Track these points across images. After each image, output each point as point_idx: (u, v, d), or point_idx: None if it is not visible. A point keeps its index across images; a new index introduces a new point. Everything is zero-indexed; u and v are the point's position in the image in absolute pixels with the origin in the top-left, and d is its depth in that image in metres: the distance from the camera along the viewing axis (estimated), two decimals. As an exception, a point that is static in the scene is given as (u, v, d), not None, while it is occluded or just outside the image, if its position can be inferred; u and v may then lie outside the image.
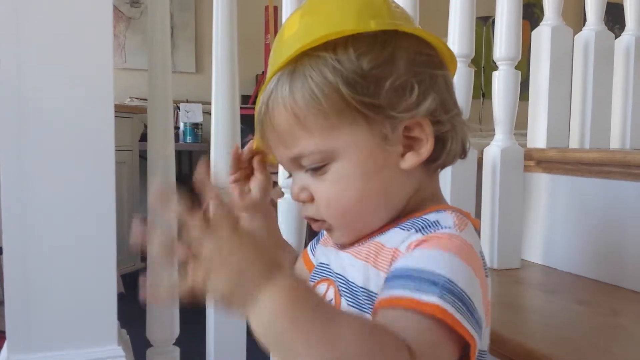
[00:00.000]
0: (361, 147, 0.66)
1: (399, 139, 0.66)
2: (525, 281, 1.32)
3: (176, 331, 1.13)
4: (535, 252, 1.47)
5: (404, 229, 0.66)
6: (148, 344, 1.15)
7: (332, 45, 0.64)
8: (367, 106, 0.64)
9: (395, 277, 0.60)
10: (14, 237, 0.91)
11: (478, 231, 0.70)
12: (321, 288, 0.73)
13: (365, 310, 0.65)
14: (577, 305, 1.12)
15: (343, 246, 0.72)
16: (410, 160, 0.67)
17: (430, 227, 0.65)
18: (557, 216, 1.42)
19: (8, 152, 0.91)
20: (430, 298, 0.57)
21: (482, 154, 1.41)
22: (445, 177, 1.33)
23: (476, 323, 0.59)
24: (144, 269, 1.08)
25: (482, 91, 4.22)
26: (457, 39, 1.34)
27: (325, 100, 0.64)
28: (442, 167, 0.72)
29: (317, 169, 0.67)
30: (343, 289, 0.69)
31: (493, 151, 1.39)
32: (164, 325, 1.13)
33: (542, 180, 1.46)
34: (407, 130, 0.66)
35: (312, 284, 0.76)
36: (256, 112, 0.70)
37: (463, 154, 0.71)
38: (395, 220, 0.69)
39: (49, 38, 0.94)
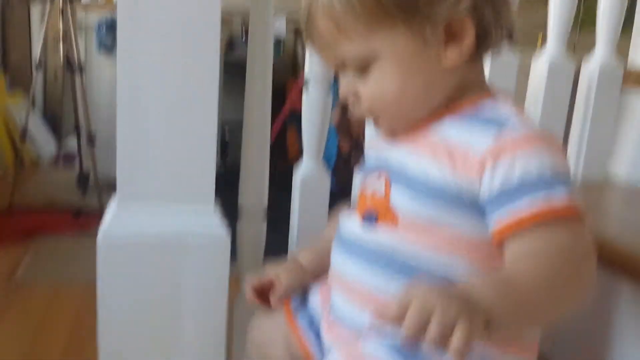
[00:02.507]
0: (401, 50, 0.68)
1: (439, 39, 0.67)
2: (607, 196, 1.33)
3: (265, 199, 1.21)
4: (621, 170, 1.46)
5: (470, 125, 0.69)
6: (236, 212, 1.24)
7: None
8: (403, 8, 0.65)
9: (516, 191, 0.63)
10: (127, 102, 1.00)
11: None
12: (370, 181, 0.76)
13: (419, 200, 0.68)
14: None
15: (398, 140, 0.75)
16: (452, 58, 0.68)
17: (503, 124, 0.66)
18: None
19: (123, 45, 0.97)
20: (562, 199, 0.62)
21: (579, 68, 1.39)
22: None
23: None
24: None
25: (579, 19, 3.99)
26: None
27: (360, 4, 0.66)
28: (486, 55, 0.73)
29: (361, 71, 0.70)
30: (397, 180, 0.72)
31: (591, 67, 1.37)
32: (254, 191, 1.20)
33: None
34: (447, 28, 0.67)
35: (365, 175, 0.80)
36: (301, 19, 0.72)
37: (509, 38, 0.73)
38: (443, 108, 0.71)
39: None
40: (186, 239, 1.00)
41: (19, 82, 4.14)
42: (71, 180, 3.34)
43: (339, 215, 0.84)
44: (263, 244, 1.24)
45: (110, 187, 3.09)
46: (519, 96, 1.34)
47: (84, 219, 2.58)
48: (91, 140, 2.85)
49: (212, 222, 1.03)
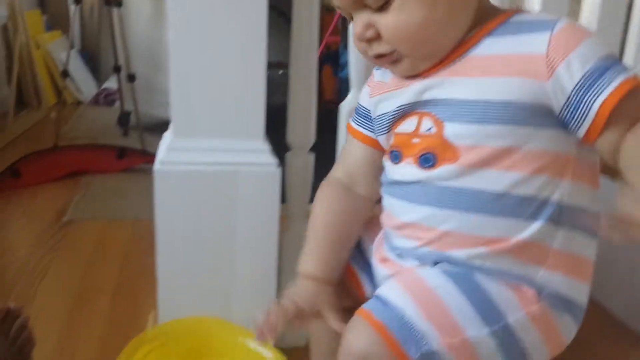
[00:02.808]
0: None
1: None
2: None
3: (312, 138, 1.21)
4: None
5: (497, 36, 0.68)
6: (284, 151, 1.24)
7: None
8: None
9: (598, 69, 0.62)
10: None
11: None
12: (410, 124, 0.73)
13: (483, 127, 0.66)
14: None
15: (426, 75, 0.72)
16: None
17: (550, 24, 0.65)
18: None
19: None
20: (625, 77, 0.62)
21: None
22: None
23: None
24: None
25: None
26: None
27: None
28: None
29: (382, 5, 0.67)
30: (448, 113, 0.69)
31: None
32: (302, 130, 1.21)
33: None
34: None
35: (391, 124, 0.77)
36: None
37: None
38: (476, 31, 0.69)
39: None
40: (239, 169, 1.03)
41: (57, 21, 4.15)
42: (112, 119, 3.38)
43: (327, 195, 0.83)
44: (311, 179, 1.24)
45: (151, 126, 3.12)
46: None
47: (127, 157, 2.61)
48: (131, 79, 2.84)
49: (263, 154, 1.06)
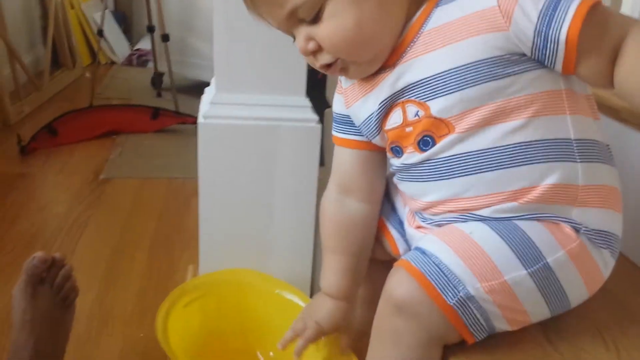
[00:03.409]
0: None
1: None
2: None
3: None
4: None
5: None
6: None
7: None
8: None
9: (552, 8, 0.61)
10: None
11: None
12: (397, 117, 0.72)
13: (466, 94, 0.65)
14: None
15: (388, 66, 0.71)
16: None
17: None
18: None
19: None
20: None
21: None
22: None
23: None
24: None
25: None
26: None
27: None
28: None
29: (314, 17, 0.66)
30: (428, 92, 0.68)
31: None
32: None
33: None
34: None
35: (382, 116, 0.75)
36: None
37: None
38: (423, 9, 0.67)
39: None
40: (280, 125, 1.04)
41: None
42: (145, 80, 3.40)
43: (326, 210, 0.85)
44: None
45: (184, 87, 3.15)
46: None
47: (161, 118, 2.63)
48: (165, 39, 2.85)
49: (304, 110, 1.05)
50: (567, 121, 0.66)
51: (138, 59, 3.99)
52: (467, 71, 0.65)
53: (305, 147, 1.05)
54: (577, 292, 0.68)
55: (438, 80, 0.67)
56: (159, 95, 3.19)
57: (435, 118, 0.68)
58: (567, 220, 0.67)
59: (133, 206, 1.96)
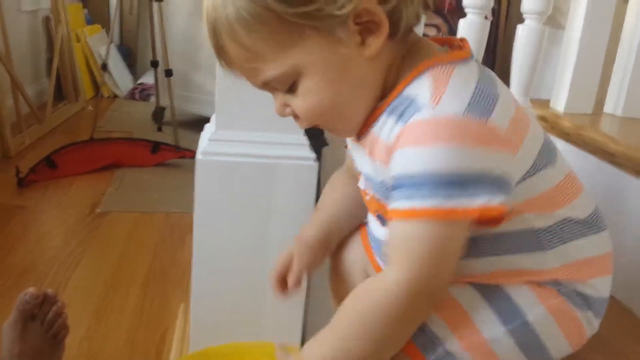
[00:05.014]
0: (318, 57, 0.64)
1: (352, 32, 0.63)
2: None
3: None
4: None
5: (387, 115, 0.66)
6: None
7: None
8: (305, 16, 0.61)
9: (394, 187, 0.61)
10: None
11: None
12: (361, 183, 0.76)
13: (382, 196, 0.67)
14: None
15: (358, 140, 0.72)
16: (372, 45, 0.64)
17: (406, 111, 0.62)
18: None
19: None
20: (425, 203, 0.58)
21: None
22: None
23: (493, 184, 0.58)
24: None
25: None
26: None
27: (262, 24, 0.62)
28: (408, 29, 0.67)
29: (289, 88, 0.67)
30: (364, 180, 0.72)
31: None
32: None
33: None
34: (357, 18, 0.62)
35: None
36: (209, 41, 0.68)
37: (426, 7, 0.68)
38: (384, 101, 0.67)
39: None
40: (278, 162, 1.04)
41: (97, 14, 4.23)
42: (146, 114, 3.42)
43: (336, 178, 0.88)
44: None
45: (184, 122, 3.16)
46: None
47: (161, 152, 2.63)
48: (168, 74, 2.87)
49: (302, 149, 1.06)
50: (530, 218, 0.65)
51: (141, 93, 4.01)
52: (378, 185, 0.68)
53: (302, 185, 1.05)
54: (559, 347, 0.67)
55: (367, 178, 0.71)
56: (159, 129, 3.20)
57: (378, 202, 0.70)
58: (547, 282, 0.67)
59: (129, 240, 1.94)
